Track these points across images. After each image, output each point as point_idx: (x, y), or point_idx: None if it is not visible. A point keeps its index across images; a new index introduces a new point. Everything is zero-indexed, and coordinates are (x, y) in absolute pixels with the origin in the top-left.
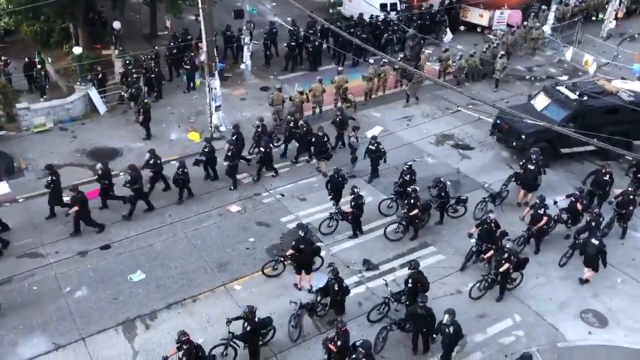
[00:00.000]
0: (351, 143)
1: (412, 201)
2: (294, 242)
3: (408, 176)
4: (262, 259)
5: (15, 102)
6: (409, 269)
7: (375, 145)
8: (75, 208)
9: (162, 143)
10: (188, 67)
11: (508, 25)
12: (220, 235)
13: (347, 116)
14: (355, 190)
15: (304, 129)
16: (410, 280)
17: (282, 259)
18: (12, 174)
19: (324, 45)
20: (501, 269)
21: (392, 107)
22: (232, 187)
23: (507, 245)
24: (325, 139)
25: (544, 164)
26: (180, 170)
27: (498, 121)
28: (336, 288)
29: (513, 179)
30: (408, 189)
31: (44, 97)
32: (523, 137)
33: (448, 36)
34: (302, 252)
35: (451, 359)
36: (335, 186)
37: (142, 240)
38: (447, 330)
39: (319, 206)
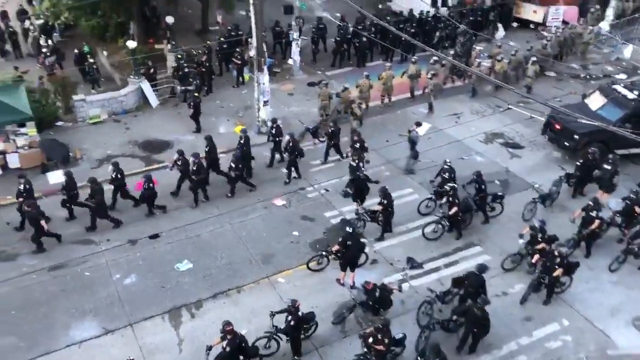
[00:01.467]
0: (412, 137)
1: (450, 199)
2: (340, 238)
3: (447, 174)
4: (306, 252)
5: (73, 94)
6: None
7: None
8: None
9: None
10: (239, 62)
11: (564, 22)
12: (265, 228)
13: (338, 127)
14: (385, 189)
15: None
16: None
17: (327, 254)
18: (67, 163)
19: (373, 41)
20: (554, 274)
21: (439, 103)
22: (193, 206)
23: (562, 250)
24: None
25: (598, 163)
26: (147, 184)
27: (550, 120)
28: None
29: (565, 179)
30: (446, 186)
31: (97, 88)
32: (576, 137)
33: (500, 33)
34: (349, 248)
35: None
36: (358, 186)
37: (190, 230)
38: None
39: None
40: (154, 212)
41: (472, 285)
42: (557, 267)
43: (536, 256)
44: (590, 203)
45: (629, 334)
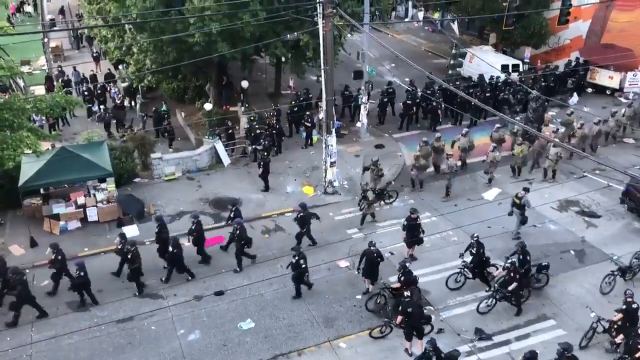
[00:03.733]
0: (523, 202)
1: (511, 275)
2: (400, 307)
3: (475, 249)
4: (369, 317)
5: (151, 153)
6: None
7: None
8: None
9: (278, 195)
10: (309, 124)
11: None
12: (328, 290)
13: (309, 213)
14: (405, 264)
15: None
16: None
17: (389, 322)
18: (142, 218)
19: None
20: (637, 355)
21: (508, 169)
22: (136, 293)
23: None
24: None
25: None
26: (77, 273)
27: (629, 189)
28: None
29: None
30: (507, 263)
31: (172, 147)
32: None
33: (574, 98)
34: (411, 315)
35: None
36: (369, 262)
37: (254, 289)
38: None
39: (430, 267)
40: (84, 303)
41: None
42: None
43: (620, 336)
44: None
45: None
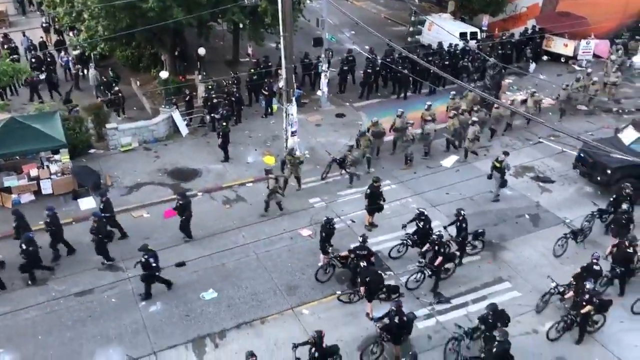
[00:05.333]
0: (504, 166)
1: (436, 249)
2: (359, 278)
3: (422, 223)
4: (331, 284)
5: (106, 123)
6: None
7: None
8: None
9: (239, 165)
10: (266, 93)
11: (595, 55)
12: (290, 259)
13: (189, 201)
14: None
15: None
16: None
17: (357, 292)
18: (98, 189)
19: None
20: (582, 311)
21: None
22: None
23: (587, 286)
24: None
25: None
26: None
27: (582, 154)
28: (396, 321)
29: (597, 215)
30: (434, 235)
31: (120, 116)
32: (609, 171)
33: (531, 66)
34: (370, 283)
35: None
36: (326, 233)
37: (215, 259)
38: None
39: (390, 234)
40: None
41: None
42: (585, 303)
43: (570, 292)
44: (628, 240)
45: None
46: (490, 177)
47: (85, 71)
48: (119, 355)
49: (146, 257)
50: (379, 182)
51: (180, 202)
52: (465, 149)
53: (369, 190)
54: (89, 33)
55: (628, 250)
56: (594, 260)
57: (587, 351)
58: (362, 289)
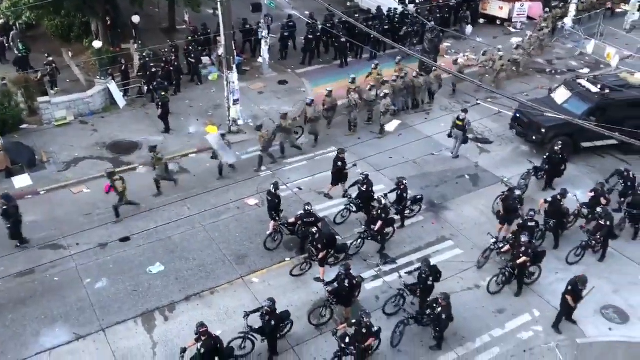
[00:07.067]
0: (466, 124)
1: (376, 213)
2: (315, 243)
3: (365, 187)
4: (280, 252)
5: (37, 96)
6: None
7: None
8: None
9: (180, 136)
10: (192, 60)
11: (529, 18)
12: (238, 228)
13: (14, 206)
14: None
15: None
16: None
17: (311, 260)
18: (34, 166)
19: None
20: (518, 261)
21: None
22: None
23: (522, 239)
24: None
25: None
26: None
27: (517, 115)
28: (346, 284)
29: (533, 173)
30: (375, 200)
31: (55, 89)
32: (543, 130)
33: (468, 29)
34: (329, 246)
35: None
36: (272, 203)
37: (161, 232)
38: None
39: (336, 200)
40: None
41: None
42: (521, 255)
43: (507, 246)
44: (558, 195)
45: (597, 322)
46: (450, 135)
47: (12, 42)
48: (66, 334)
49: None
50: (343, 153)
51: (5, 206)
52: (381, 124)
53: (339, 163)
54: (12, 0)
55: (561, 203)
56: (529, 217)
57: (525, 302)
58: (321, 254)
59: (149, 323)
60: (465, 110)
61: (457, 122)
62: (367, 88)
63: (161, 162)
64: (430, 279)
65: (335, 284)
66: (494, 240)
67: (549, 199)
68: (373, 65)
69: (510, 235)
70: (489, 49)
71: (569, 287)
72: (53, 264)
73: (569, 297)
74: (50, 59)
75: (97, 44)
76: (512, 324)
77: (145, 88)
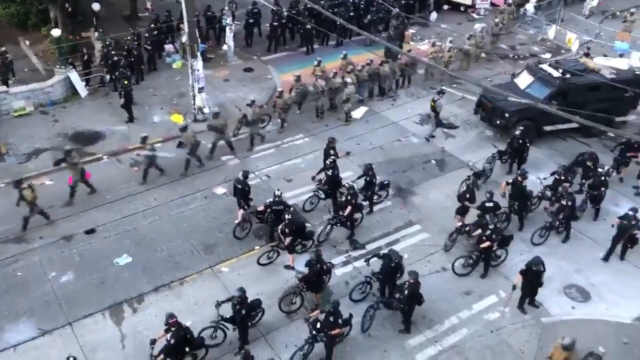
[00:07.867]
0: (437, 106)
1: (345, 199)
2: (285, 229)
3: (331, 171)
4: (249, 240)
5: None
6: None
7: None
8: None
9: (145, 125)
10: (149, 47)
11: (492, 4)
12: (206, 218)
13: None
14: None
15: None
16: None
17: (278, 247)
18: None
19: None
20: (482, 246)
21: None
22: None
23: (485, 222)
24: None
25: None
26: None
27: (482, 100)
28: (317, 269)
29: (497, 157)
30: (345, 186)
31: (13, 79)
32: (506, 115)
33: (433, 15)
34: (298, 232)
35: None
36: (241, 191)
37: (127, 223)
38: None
39: (305, 187)
40: None
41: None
42: (485, 239)
43: (478, 230)
44: (519, 177)
45: (560, 301)
46: (429, 116)
47: None
48: (31, 329)
49: None
50: (334, 142)
51: None
52: (345, 112)
53: (331, 152)
54: None
55: (523, 185)
56: (486, 197)
57: (492, 283)
58: (287, 239)
59: (117, 315)
60: (441, 92)
61: (432, 103)
62: (331, 75)
63: (77, 167)
64: (398, 272)
65: (305, 270)
66: (460, 223)
67: (510, 181)
68: (342, 55)
69: (476, 219)
70: (455, 35)
71: (524, 268)
72: (15, 258)
73: (519, 276)
74: (3, 48)
75: (55, 32)
76: (479, 306)
77: (108, 77)
